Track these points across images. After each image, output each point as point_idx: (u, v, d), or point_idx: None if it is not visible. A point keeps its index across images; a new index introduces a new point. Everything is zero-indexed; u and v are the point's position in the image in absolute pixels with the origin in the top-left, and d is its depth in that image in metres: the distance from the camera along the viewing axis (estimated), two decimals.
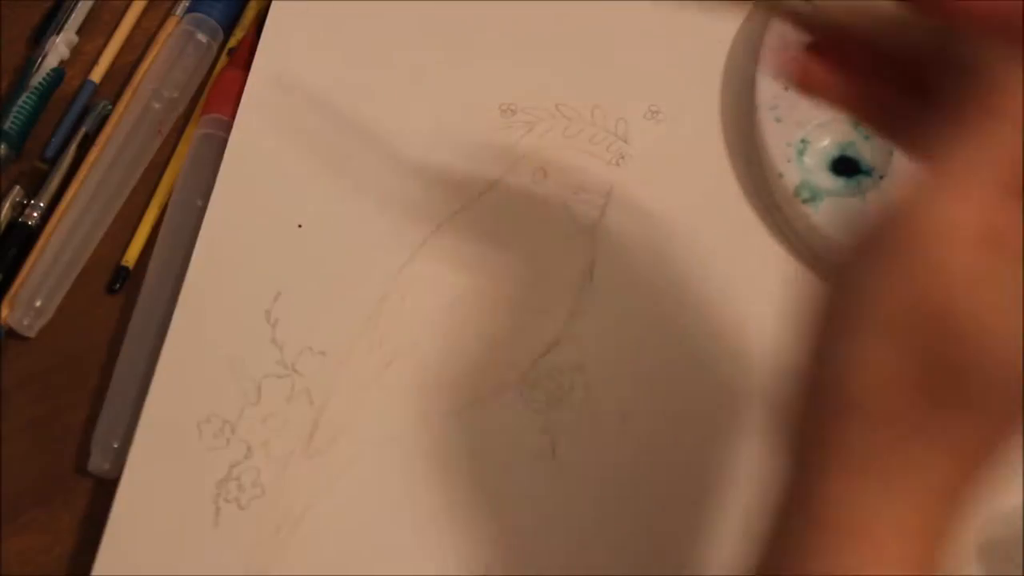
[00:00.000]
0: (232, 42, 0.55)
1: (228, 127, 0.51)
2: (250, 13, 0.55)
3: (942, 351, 0.27)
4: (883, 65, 0.31)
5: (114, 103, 0.53)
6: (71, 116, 0.53)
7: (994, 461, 0.29)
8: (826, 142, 0.47)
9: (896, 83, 0.31)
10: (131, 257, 0.50)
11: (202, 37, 0.54)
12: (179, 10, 0.55)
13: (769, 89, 0.48)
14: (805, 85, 0.32)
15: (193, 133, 0.52)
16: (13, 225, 0.50)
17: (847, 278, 0.29)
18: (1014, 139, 0.27)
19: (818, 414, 0.29)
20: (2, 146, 0.51)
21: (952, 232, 0.27)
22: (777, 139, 0.47)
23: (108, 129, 0.52)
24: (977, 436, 0.29)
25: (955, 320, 0.27)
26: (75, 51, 0.55)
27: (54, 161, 0.52)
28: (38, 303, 0.48)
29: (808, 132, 0.47)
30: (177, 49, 0.53)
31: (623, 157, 0.49)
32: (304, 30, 0.53)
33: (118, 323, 0.48)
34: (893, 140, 0.33)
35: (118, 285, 0.49)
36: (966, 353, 0.27)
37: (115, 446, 0.44)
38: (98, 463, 0.44)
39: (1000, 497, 0.33)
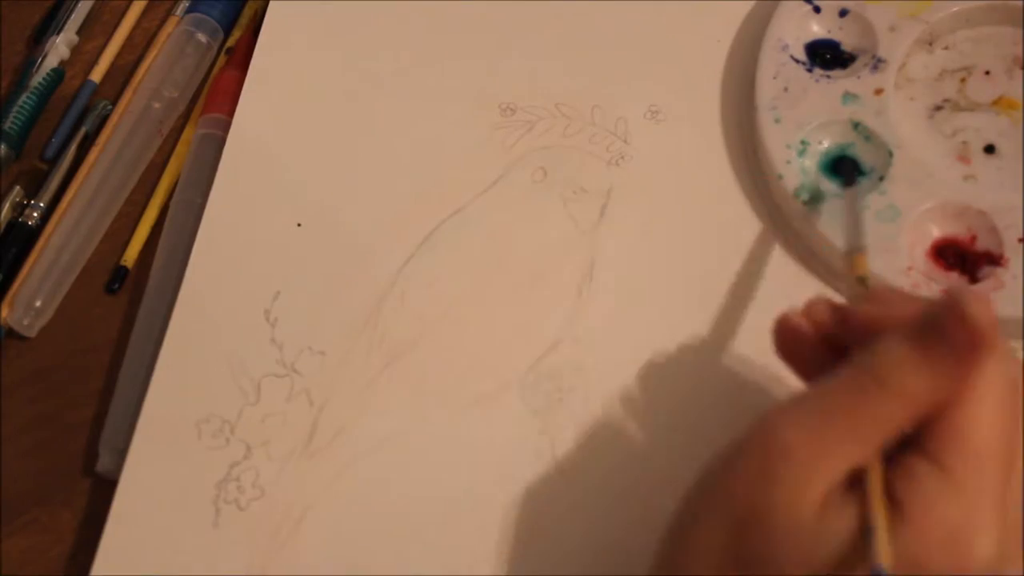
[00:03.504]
0: (230, 42, 0.55)
1: (227, 126, 0.51)
2: (247, 13, 0.56)
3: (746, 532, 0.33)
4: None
5: (114, 103, 0.53)
6: (71, 116, 0.53)
7: None
8: (826, 143, 0.47)
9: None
10: (130, 257, 0.50)
11: (202, 37, 0.54)
12: (179, 10, 0.55)
13: (769, 90, 0.48)
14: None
15: (192, 133, 0.52)
16: (13, 225, 0.50)
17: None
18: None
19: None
20: (2, 146, 0.51)
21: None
22: (776, 140, 0.47)
23: (108, 129, 0.52)
24: None
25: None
26: (75, 51, 0.55)
27: (54, 161, 0.52)
28: (38, 303, 0.48)
29: (807, 133, 0.47)
30: (177, 49, 0.54)
31: (623, 157, 0.49)
32: (302, 30, 0.53)
33: (118, 323, 0.48)
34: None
35: (117, 285, 0.49)
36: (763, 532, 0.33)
37: (122, 447, 0.44)
38: (107, 464, 0.44)
39: None
